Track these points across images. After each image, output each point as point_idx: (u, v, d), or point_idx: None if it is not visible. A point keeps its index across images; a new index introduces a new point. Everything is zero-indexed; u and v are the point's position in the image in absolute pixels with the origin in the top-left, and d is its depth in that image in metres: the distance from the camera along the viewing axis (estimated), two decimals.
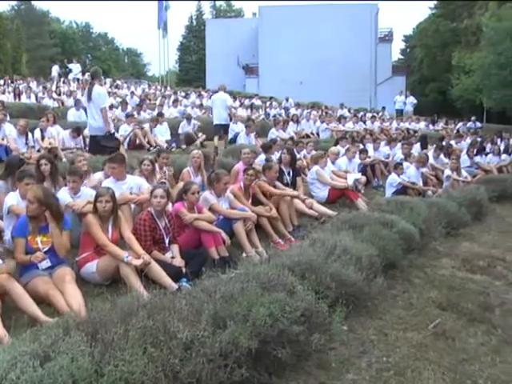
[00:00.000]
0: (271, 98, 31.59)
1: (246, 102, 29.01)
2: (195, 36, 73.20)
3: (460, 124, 30.14)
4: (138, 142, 13.62)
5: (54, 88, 25.18)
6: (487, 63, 30.49)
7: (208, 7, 79.92)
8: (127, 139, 13.42)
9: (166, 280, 5.44)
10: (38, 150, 11.17)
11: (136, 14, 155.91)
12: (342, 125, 20.51)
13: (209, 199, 7.14)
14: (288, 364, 4.01)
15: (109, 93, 19.15)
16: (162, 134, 14.72)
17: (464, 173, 12.79)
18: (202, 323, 3.60)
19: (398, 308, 5.68)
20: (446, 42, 47.92)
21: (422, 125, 27.28)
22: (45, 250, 5.22)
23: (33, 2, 66.41)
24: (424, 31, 52.58)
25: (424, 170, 12.16)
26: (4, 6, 66.06)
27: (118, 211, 5.90)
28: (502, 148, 17.99)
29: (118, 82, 33.35)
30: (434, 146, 14.97)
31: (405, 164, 11.78)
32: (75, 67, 32.87)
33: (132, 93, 25.63)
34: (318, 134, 19.58)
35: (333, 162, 11.06)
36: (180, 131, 15.66)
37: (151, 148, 12.88)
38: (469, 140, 19.05)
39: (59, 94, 22.85)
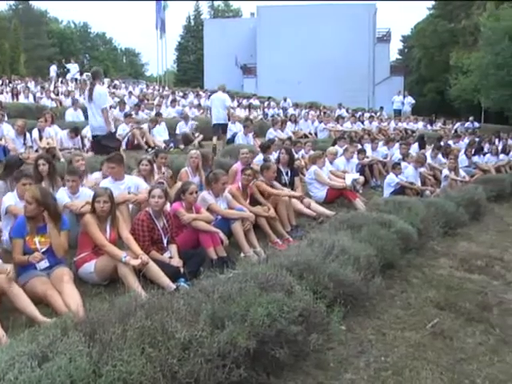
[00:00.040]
0: (269, 98, 31.60)
1: (244, 102, 29.01)
2: (193, 36, 73.21)
3: (458, 124, 30.19)
4: (136, 142, 13.61)
5: (51, 88, 25.13)
6: (485, 63, 30.50)
7: (206, 7, 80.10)
8: (125, 139, 13.41)
9: (164, 280, 5.43)
10: (36, 150, 11.19)
11: (134, 14, 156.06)
12: (340, 125, 20.54)
13: (207, 199, 7.14)
14: (286, 364, 4.01)
15: None
16: (160, 134, 14.72)
17: (462, 173, 12.80)
18: (200, 323, 3.60)
19: (396, 308, 5.68)
20: (444, 42, 48.00)
21: (420, 125, 27.31)
22: (43, 250, 5.22)
23: (31, 2, 66.47)
24: (422, 31, 52.67)
25: (422, 169, 12.17)
26: (2, 5, 66.44)
27: (116, 211, 5.90)
28: (499, 148, 18.03)
29: (116, 82, 33.28)
30: (432, 145, 14.99)
31: (403, 164, 11.77)
32: (73, 67, 32.89)
33: (130, 93, 25.61)
34: (316, 134, 19.60)
35: (331, 162, 11.06)
36: (177, 131, 15.65)
37: (149, 149, 12.87)
38: (467, 140, 19.04)
39: (57, 94, 22.82)
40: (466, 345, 4.88)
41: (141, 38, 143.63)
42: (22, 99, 20.84)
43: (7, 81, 27.23)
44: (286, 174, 9.47)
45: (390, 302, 5.81)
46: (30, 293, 4.74)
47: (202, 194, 7.20)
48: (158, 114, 16.47)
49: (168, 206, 6.69)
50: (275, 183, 8.75)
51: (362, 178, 10.96)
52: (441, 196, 10.39)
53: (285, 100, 30.15)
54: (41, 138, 11.64)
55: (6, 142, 10.90)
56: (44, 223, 5.31)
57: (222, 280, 4.42)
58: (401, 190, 10.65)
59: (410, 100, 31.41)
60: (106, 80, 33.24)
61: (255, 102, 29.58)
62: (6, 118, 12.96)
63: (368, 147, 13.68)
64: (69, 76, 32.09)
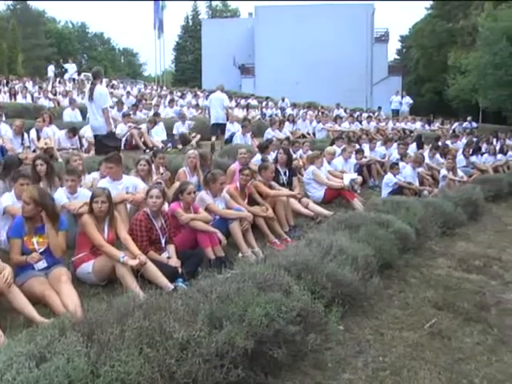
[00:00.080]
0: (267, 98, 31.61)
1: (242, 102, 28.99)
2: (191, 36, 73.20)
3: (456, 124, 30.22)
4: (134, 142, 13.62)
5: (49, 88, 25.12)
6: (483, 63, 30.52)
7: (204, 7, 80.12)
8: (123, 140, 13.40)
9: (162, 280, 5.44)
10: (34, 151, 11.17)
11: (132, 14, 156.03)
12: (338, 125, 20.54)
13: (205, 199, 7.14)
14: (284, 364, 4.02)
15: None
16: (158, 135, 14.74)
17: (460, 173, 12.82)
18: (198, 323, 3.60)
19: (394, 308, 5.69)
20: (442, 42, 48.02)
21: (417, 125, 27.32)
22: (41, 250, 5.22)
23: (28, 2, 66.36)
24: (420, 31, 52.69)
25: (420, 169, 12.18)
26: (0, 5, 66.07)
27: (114, 211, 5.90)
28: (497, 148, 18.06)
29: (114, 81, 33.26)
30: (430, 145, 15.00)
31: (401, 164, 11.78)
32: (71, 67, 32.84)
33: (128, 93, 25.56)
34: (314, 134, 19.59)
35: (329, 162, 11.07)
36: (175, 131, 15.65)
37: (147, 150, 12.87)
38: (465, 140, 19.07)
39: (55, 94, 22.81)
40: (463, 345, 4.88)
41: (139, 38, 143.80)
42: (19, 99, 20.86)
43: (5, 81, 27.17)
44: (284, 174, 9.47)
45: (387, 302, 5.82)
46: (27, 293, 4.73)
47: (200, 194, 7.20)
48: (156, 114, 16.47)
49: (166, 206, 6.69)
50: (273, 183, 8.76)
51: (359, 178, 10.97)
52: (439, 196, 10.40)
53: (283, 100, 30.13)
54: (39, 138, 11.63)
55: (4, 142, 10.87)
56: (42, 223, 5.31)
57: (220, 280, 4.42)
58: (399, 189, 10.67)
59: (407, 100, 31.40)
60: (104, 80, 33.18)
61: (253, 102, 29.56)
62: (3, 118, 12.98)
63: (366, 147, 13.69)
64: (67, 76, 32.05)
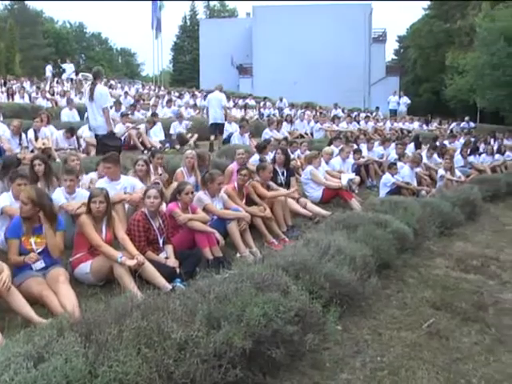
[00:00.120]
0: (265, 98, 31.61)
1: (240, 102, 29.01)
2: (189, 36, 73.21)
3: (454, 124, 30.25)
4: (132, 143, 13.61)
5: (47, 88, 25.09)
6: (480, 63, 30.54)
7: (202, 7, 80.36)
8: (121, 140, 13.38)
9: (160, 280, 5.43)
10: (32, 151, 11.15)
11: (130, 14, 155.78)
12: (336, 125, 20.53)
13: (203, 199, 7.14)
14: (282, 364, 4.02)
15: None
16: (156, 135, 14.73)
17: (458, 173, 12.83)
18: (195, 323, 3.60)
19: (392, 308, 5.69)
20: (440, 42, 48.08)
21: (415, 125, 27.36)
22: (39, 250, 5.21)
23: (26, 2, 66.20)
24: (417, 32, 52.72)
25: (418, 169, 12.19)
26: None
27: (112, 212, 5.90)
28: (495, 148, 18.08)
29: (112, 82, 33.20)
30: (428, 145, 15.02)
31: (399, 164, 11.80)
32: (69, 67, 32.84)
33: (126, 93, 25.55)
34: (311, 134, 19.58)
35: (327, 162, 11.07)
36: (172, 131, 15.65)
37: (145, 151, 12.85)
38: (462, 140, 19.11)
39: (53, 94, 22.76)
40: (461, 344, 4.89)
41: (137, 38, 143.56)
42: (17, 99, 20.78)
43: (3, 81, 27.08)
44: (282, 174, 9.47)
45: (385, 302, 5.82)
46: (25, 293, 4.72)
47: (197, 194, 7.20)
48: (154, 115, 16.47)
49: (164, 207, 6.69)
50: (271, 183, 8.77)
51: (357, 178, 10.97)
52: (436, 196, 10.41)
53: (281, 100, 30.14)
54: (36, 138, 11.60)
55: (2, 143, 10.86)
56: (40, 224, 5.30)
57: (218, 280, 4.42)
58: (397, 189, 10.68)
59: (405, 100, 31.46)
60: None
61: (251, 102, 29.58)
62: (1, 118, 12.97)
63: (364, 147, 13.69)
64: (64, 76, 32.05)
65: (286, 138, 14.30)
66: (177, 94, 30.81)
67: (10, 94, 21.21)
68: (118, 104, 17.65)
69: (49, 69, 33.45)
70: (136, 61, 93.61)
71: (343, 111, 27.92)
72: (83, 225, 5.60)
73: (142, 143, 13.65)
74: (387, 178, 10.97)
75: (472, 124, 30.77)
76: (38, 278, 5.09)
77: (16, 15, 61.82)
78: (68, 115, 16.48)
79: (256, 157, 10.42)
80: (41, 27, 68.94)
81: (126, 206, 6.93)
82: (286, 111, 25.56)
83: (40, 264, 5.19)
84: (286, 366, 4.09)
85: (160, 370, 3.22)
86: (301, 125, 20.18)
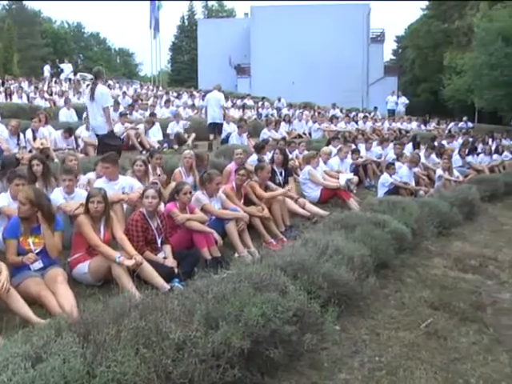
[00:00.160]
0: (263, 98, 31.61)
1: (238, 102, 29.02)
2: (187, 36, 73.18)
3: (452, 124, 30.28)
4: (130, 143, 13.60)
5: (45, 88, 25.05)
6: (478, 64, 30.57)
7: (200, 7, 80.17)
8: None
9: (158, 280, 5.43)
10: (30, 151, 11.14)
11: (128, 14, 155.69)
12: (334, 125, 20.54)
13: (201, 199, 7.14)
14: (280, 364, 4.02)
15: None
16: (154, 135, 14.72)
17: (456, 173, 12.83)
18: (194, 324, 3.60)
19: (390, 307, 5.69)
20: (438, 42, 48.14)
21: (413, 125, 27.37)
22: (37, 251, 5.20)
23: (24, 2, 66.19)
24: (416, 32, 52.76)
25: (416, 169, 12.19)
26: None
27: (111, 212, 5.89)
28: (493, 148, 18.11)
29: (110, 82, 33.14)
30: (426, 145, 15.03)
31: (397, 164, 11.80)
32: (67, 67, 32.81)
33: (124, 93, 25.55)
34: (310, 134, 19.59)
35: (325, 162, 11.06)
36: (169, 131, 15.64)
37: (143, 151, 12.85)
38: (460, 140, 19.11)
39: (51, 94, 22.72)
40: (459, 344, 4.89)
41: (135, 38, 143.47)
42: (15, 99, 20.74)
43: (0, 81, 27.02)
44: (280, 174, 9.48)
45: (384, 302, 5.82)
46: (23, 293, 4.72)
47: (196, 194, 7.19)
48: (152, 115, 16.46)
49: (162, 207, 6.68)
50: (269, 183, 8.77)
51: (355, 178, 10.97)
52: (435, 196, 10.41)
53: (279, 100, 30.16)
54: (34, 138, 11.60)
55: (0, 143, 10.85)
56: (38, 224, 5.30)
57: (216, 280, 4.41)
58: (395, 189, 10.68)
59: (403, 100, 31.47)
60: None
61: (249, 102, 29.60)
62: None
63: (362, 147, 13.69)
64: (62, 76, 32.01)
65: (284, 138, 14.32)
66: (175, 94, 30.81)
67: (8, 94, 21.17)
68: (116, 104, 17.63)
69: (47, 69, 33.40)
70: (134, 61, 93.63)
71: (341, 111, 27.92)
72: (81, 225, 5.59)
73: (141, 143, 13.64)
74: (385, 178, 10.97)
75: (470, 124, 30.79)
76: (36, 279, 5.08)
77: (14, 15, 61.78)
78: (66, 115, 16.48)
79: (254, 157, 10.43)
80: (39, 27, 68.90)
81: (125, 206, 6.92)
82: (284, 111, 25.59)
83: (38, 264, 5.19)
84: (284, 365, 4.09)
85: (158, 370, 3.22)
86: (299, 125, 20.19)
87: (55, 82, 30.02)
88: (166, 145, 14.44)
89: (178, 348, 3.38)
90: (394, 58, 70.51)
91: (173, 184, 7.80)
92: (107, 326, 3.40)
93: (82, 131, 12.74)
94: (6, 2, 64.90)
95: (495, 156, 16.97)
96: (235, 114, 22.64)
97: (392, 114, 30.24)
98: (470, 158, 15.69)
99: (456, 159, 14.65)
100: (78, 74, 39.28)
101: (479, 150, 17.64)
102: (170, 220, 6.50)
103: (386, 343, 4.80)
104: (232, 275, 4.52)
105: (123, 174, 7.79)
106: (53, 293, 4.91)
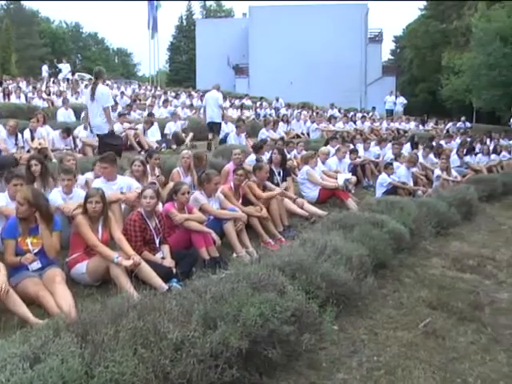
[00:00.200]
0: (261, 98, 31.61)
1: (237, 102, 29.01)
2: (185, 36, 73.16)
3: (450, 124, 30.33)
4: (129, 143, 13.58)
5: (43, 88, 25.03)
6: (476, 64, 30.61)
7: (198, 7, 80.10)
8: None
9: (157, 280, 5.43)
10: (28, 151, 11.12)
11: (126, 14, 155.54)
12: (333, 125, 20.56)
13: (199, 199, 7.13)
14: (279, 364, 4.02)
15: None
16: (152, 135, 14.71)
17: (454, 172, 12.86)
18: (192, 324, 3.60)
19: (389, 307, 5.70)
20: (436, 42, 48.19)
21: (412, 125, 27.38)
22: (35, 251, 5.20)
23: (22, 2, 66.14)
24: (414, 32, 52.84)
25: (414, 169, 12.20)
26: None
27: (109, 212, 5.89)
28: (491, 148, 18.12)
29: (108, 82, 33.08)
30: (424, 145, 15.04)
31: (395, 164, 11.80)
32: (65, 67, 32.77)
33: (122, 93, 25.53)
34: (308, 134, 19.61)
35: (323, 162, 11.07)
36: (167, 131, 15.63)
37: (142, 152, 12.84)
38: (458, 140, 19.11)
39: (49, 94, 22.71)
40: (458, 344, 4.90)
41: (133, 38, 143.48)
42: (13, 99, 20.73)
43: None
44: (279, 174, 9.48)
45: (382, 302, 5.83)
46: (21, 294, 4.72)
47: (194, 194, 7.19)
48: (151, 115, 16.45)
49: (160, 207, 6.68)
50: (268, 183, 8.77)
51: (354, 178, 10.98)
52: (433, 196, 10.41)
53: (277, 100, 30.14)
54: (33, 138, 11.58)
55: None
56: (36, 224, 5.29)
57: (215, 280, 4.42)
58: (393, 189, 10.68)
59: (401, 100, 31.48)
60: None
61: (247, 103, 29.58)
62: None
63: (360, 147, 13.71)
64: (61, 76, 31.98)
65: (282, 138, 14.32)
66: (173, 94, 30.78)
67: (6, 94, 21.15)
68: (114, 104, 17.62)
69: (45, 69, 33.35)
70: (132, 61, 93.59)
71: (339, 111, 27.95)
72: (79, 225, 5.59)
73: (139, 143, 13.62)
74: (383, 178, 10.98)
75: (468, 124, 30.86)
76: (35, 279, 5.08)
77: (12, 15, 61.73)
78: (64, 115, 16.47)
79: (252, 157, 10.42)
80: (37, 27, 68.83)
81: (123, 206, 6.92)
82: (283, 111, 25.61)
83: (36, 264, 5.18)
84: (282, 366, 4.09)
85: (156, 370, 3.22)
86: (297, 125, 20.22)
87: (53, 82, 29.98)
88: (164, 145, 14.43)
89: (176, 348, 3.38)
90: (392, 58, 70.53)
91: (171, 184, 7.79)
92: (105, 326, 3.40)
93: (80, 131, 12.71)
94: (3, 2, 65.02)
95: (493, 156, 16.99)
96: (233, 114, 22.64)
97: (390, 114, 30.27)
98: (468, 158, 15.70)
99: (454, 159, 14.67)
100: (76, 74, 39.28)
101: (477, 149, 17.66)
102: (168, 220, 6.49)
103: (384, 343, 4.80)
104: (230, 275, 4.52)
105: (121, 174, 7.78)
106: (51, 293, 4.91)
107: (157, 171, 8.66)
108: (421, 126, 28.41)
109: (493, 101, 31.46)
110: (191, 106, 23.92)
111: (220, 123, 15.28)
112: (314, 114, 24.92)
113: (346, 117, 22.94)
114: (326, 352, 4.51)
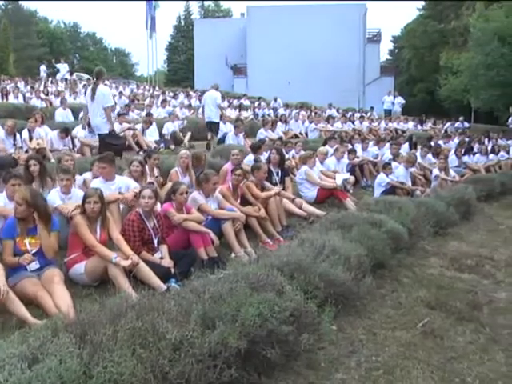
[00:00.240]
0: (260, 98, 31.57)
1: (235, 102, 29.01)
2: (183, 36, 73.18)
3: (448, 124, 30.33)
4: (127, 143, 13.56)
5: (41, 88, 25.01)
6: (475, 64, 30.61)
7: (196, 7, 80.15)
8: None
9: (155, 281, 5.42)
10: (26, 151, 11.11)
11: (124, 13, 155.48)
12: (331, 125, 20.52)
13: (197, 199, 7.13)
14: (277, 364, 4.02)
15: None
16: (151, 135, 14.71)
17: (452, 172, 12.86)
18: (190, 324, 3.60)
19: (387, 307, 5.70)
20: (434, 42, 48.21)
21: (410, 125, 27.38)
22: (33, 251, 5.19)
23: (20, 2, 66.04)
24: (412, 32, 52.86)
25: (412, 169, 12.21)
26: None
27: (107, 212, 5.88)
28: (489, 148, 18.13)
29: (107, 82, 33.00)
30: (422, 145, 15.05)
31: (393, 164, 11.80)
32: (63, 67, 32.77)
33: (120, 93, 25.51)
34: (306, 134, 19.58)
35: (321, 162, 11.07)
36: (165, 131, 15.63)
37: (140, 152, 12.83)
38: (457, 140, 19.15)
39: (47, 94, 22.68)
40: (456, 344, 4.90)
41: (131, 37, 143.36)
42: (11, 99, 20.69)
43: None
44: (277, 174, 9.47)
45: (380, 302, 5.83)
46: (20, 294, 4.71)
47: (192, 194, 7.19)
48: (149, 115, 16.43)
49: (158, 207, 6.68)
50: (266, 183, 8.76)
51: (352, 178, 10.98)
52: (431, 196, 10.43)
53: (275, 100, 30.13)
54: (31, 138, 11.56)
55: None
56: (34, 224, 5.29)
57: (213, 280, 4.41)
58: (391, 189, 10.69)
59: (400, 100, 31.46)
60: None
61: (246, 103, 29.56)
62: None
63: (358, 147, 13.70)
64: (59, 76, 31.99)
65: (280, 138, 14.30)
66: (171, 94, 30.77)
67: (4, 94, 21.12)
68: (114, 104, 17.59)
69: (43, 69, 33.38)
70: (130, 61, 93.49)
71: (338, 111, 27.94)
72: (77, 225, 5.59)
73: (138, 143, 13.61)
74: (382, 178, 10.99)
75: (466, 124, 30.86)
76: (33, 279, 5.07)
77: (10, 15, 61.69)
78: (62, 115, 16.44)
79: (251, 157, 10.43)
80: (35, 27, 68.74)
81: (121, 206, 6.91)
82: (281, 111, 25.59)
83: (35, 265, 5.17)
84: (281, 365, 4.09)
85: (155, 370, 3.21)
86: (295, 125, 20.20)
87: (51, 82, 29.98)
88: (162, 145, 14.43)
89: (175, 348, 3.37)
90: (390, 58, 70.58)
91: (169, 184, 7.79)
92: (104, 327, 3.40)
93: (78, 131, 12.71)
94: (1, 2, 65.02)
95: (491, 156, 17.00)
96: (232, 114, 22.63)
97: (388, 114, 30.24)
98: (466, 158, 15.72)
99: (452, 159, 14.68)
100: (75, 74, 39.27)
101: (475, 149, 17.66)
102: (167, 220, 6.49)
103: (382, 343, 4.80)
104: (229, 275, 4.52)
105: (120, 174, 7.77)
106: (49, 293, 4.90)
107: (155, 172, 8.66)
108: (419, 126, 28.43)
109: (491, 101, 31.46)
110: (189, 106, 23.92)
111: (218, 123, 15.32)
112: (313, 114, 24.88)
113: (344, 117, 22.93)
114: (324, 352, 4.52)
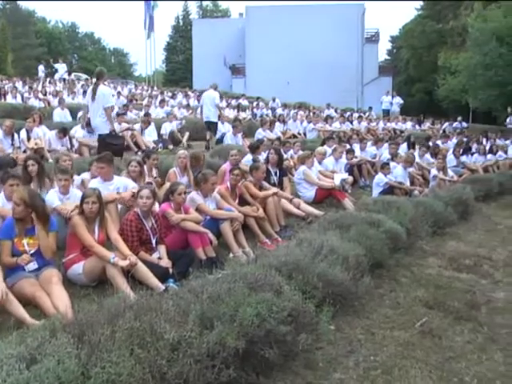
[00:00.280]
0: (258, 98, 31.59)
1: (233, 102, 29.02)
2: (182, 36, 73.17)
3: (446, 124, 30.34)
4: (126, 143, 13.55)
5: (39, 88, 24.97)
6: (473, 64, 30.64)
7: (195, 7, 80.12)
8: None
9: (153, 281, 5.42)
10: (24, 151, 11.10)
11: (122, 13, 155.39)
12: (329, 125, 20.53)
13: (195, 199, 7.13)
14: (275, 364, 4.02)
15: None
16: (149, 135, 14.70)
17: (450, 172, 12.87)
18: (189, 324, 3.60)
19: (385, 307, 5.70)
20: (432, 42, 48.27)
21: (408, 125, 27.41)
22: (31, 252, 5.18)
23: (18, 2, 66.06)
24: (410, 32, 52.92)
25: (411, 169, 12.21)
26: None
27: (105, 212, 5.88)
28: (487, 148, 18.16)
29: (105, 82, 33.10)
30: (420, 145, 15.06)
31: (392, 164, 11.82)
32: (61, 67, 32.74)
33: (119, 93, 25.46)
34: (304, 134, 19.59)
35: (320, 162, 11.07)
36: (163, 131, 15.61)
37: (139, 152, 12.82)
38: (455, 140, 19.16)
39: (45, 94, 22.65)
40: (454, 343, 4.90)
41: (129, 37, 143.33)
42: (9, 99, 20.67)
43: None
44: (275, 174, 9.48)
45: (378, 302, 5.83)
46: (18, 294, 4.71)
47: (190, 194, 7.18)
48: (147, 115, 16.43)
49: (157, 207, 6.67)
50: (264, 183, 8.76)
51: (350, 178, 10.98)
52: (429, 196, 10.43)
53: (273, 100, 30.13)
54: (29, 138, 11.55)
55: None
56: (32, 225, 5.28)
57: (211, 280, 4.41)
58: (389, 189, 10.69)
59: (398, 100, 31.49)
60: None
61: (244, 103, 29.56)
62: None
63: (357, 147, 13.71)
64: (57, 76, 31.94)
65: (279, 138, 14.31)
66: (170, 94, 30.75)
67: (3, 94, 21.11)
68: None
69: (41, 69, 33.34)
70: (129, 61, 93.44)
71: (336, 111, 27.96)
72: (76, 225, 5.58)
73: (136, 144, 13.60)
74: (380, 178, 10.99)
75: (464, 124, 30.90)
76: (31, 279, 5.07)
77: (8, 15, 61.68)
78: (60, 115, 16.43)
79: (249, 157, 10.42)
80: (33, 27, 68.77)
81: (119, 206, 6.90)
82: (279, 111, 25.61)
83: (33, 265, 5.17)
84: (279, 365, 4.09)
85: (153, 370, 3.21)
86: (294, 125, 20.20)
87: (49, 82, 29.95)
88: (160, 145, 14.42)
89: (173, 348, 3.37)
90: (388, 58, 70.72)
91: (167, 184, 7.78)
92: (102, 327, 3.40)
93: (76, 131, 12.71)
94: (0, 2, 64.85)
95: (489, 156, 17.03)
96: (230, 114, 22.63)
97: (387, 114, 30.25)
98: (464, 158, 15.73)
99: (450, 159, 14.68)
100: (73, 74, 39.24)
101: (473, 149, 17.69)
102: (165, 220, 6.49)
103: (380, 342, 4.80)
104: (227, 275, 4.52)
105: (118, 174, 7.76)
106: (47, 294, 4.90)
107: (154, 172, 8.65)
108: (417, 126, 28.48)
109: (489, 101, 31.50)
110: (188, 106, 23.91)
111: (216, 123, 15.33)
112: (311, 114, 24.86)
113: (342, 117, 22.94)
114: (322, 352, 4.52)
